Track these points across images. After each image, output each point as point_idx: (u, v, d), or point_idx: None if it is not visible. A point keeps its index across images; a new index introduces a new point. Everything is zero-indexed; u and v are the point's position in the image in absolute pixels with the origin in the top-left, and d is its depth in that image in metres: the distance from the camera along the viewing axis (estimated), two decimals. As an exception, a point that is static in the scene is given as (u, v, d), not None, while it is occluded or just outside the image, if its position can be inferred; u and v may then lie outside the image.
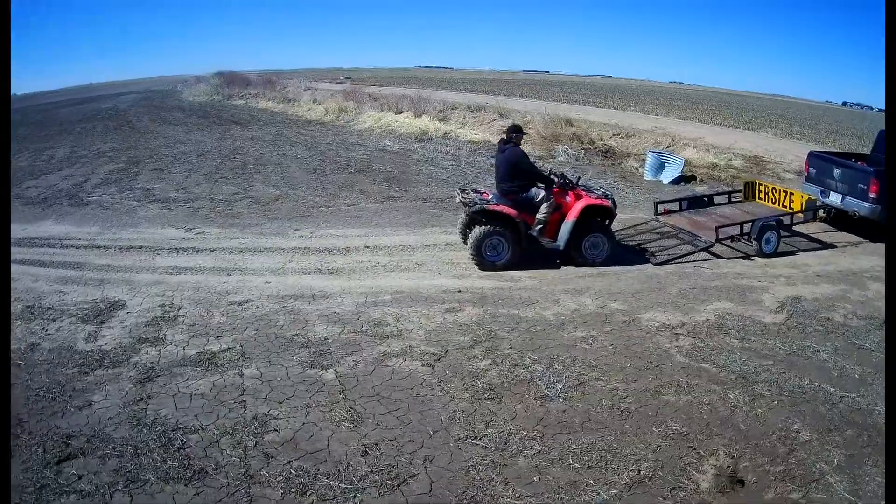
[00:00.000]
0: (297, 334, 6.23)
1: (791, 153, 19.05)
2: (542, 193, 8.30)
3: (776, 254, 9.47)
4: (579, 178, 8.80)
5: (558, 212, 8.35)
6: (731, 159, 16.83)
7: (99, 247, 9.00)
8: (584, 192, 8.54)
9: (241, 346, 5.94)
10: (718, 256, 9.25)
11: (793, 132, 28.67)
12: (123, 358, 5.70)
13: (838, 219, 11.32)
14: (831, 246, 10.29)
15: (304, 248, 9.04)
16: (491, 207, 8.12)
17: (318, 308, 6.87)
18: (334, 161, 15.99)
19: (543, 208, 8.23)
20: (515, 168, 8.18)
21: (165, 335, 6.17)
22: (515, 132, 8.41)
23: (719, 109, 40.53)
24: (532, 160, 8.59)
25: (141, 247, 9.01)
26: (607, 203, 8.46)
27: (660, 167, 14.98)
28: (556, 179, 8.47)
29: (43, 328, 6.32)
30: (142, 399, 5.03)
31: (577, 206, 8.27)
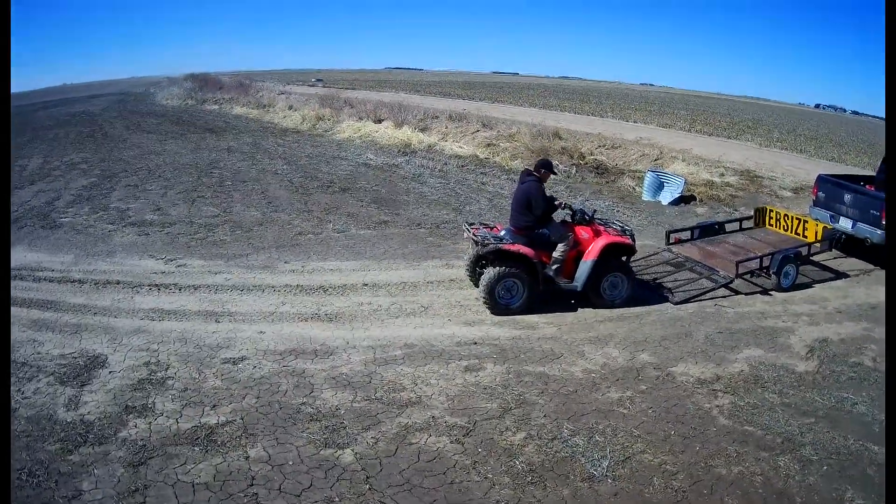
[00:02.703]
0: (303, 403, 5.59)
1: (781, 166, 18.95)
2: (561, 230, 7.76)
3: (793, 287, 9.09)
4: (595, 211, 8.28)
5: (575, 249, 7.79)
6: (723, 174, 16.56)
7: (74, 281, 8.33)
8: (601, 228, 8.01)
9: (242, 420, 5.30)
10: (736, 292, 8.83)
11: (773, 139, 28.79)
12: (110, 433, 5.06)
13: (847, 244, 10.99)
14: (844, 275, 9.96)
15: (297, 285, 8.37)
16: (506, 247, 7.49)
17: (323, 368, 6.23)
18: (316, 177, 15.34)
19: (561, 247, 7.65)
20: (529, 203, 7.62)
21: (154, 403, 5.51)
22: (544, 167, 7.84)
23: (696, 114, 40.70)
24: (549, 194, 8.02)
25: (118, 282, 8.32)
26: (628, 241, 7.90)
27: (658, 187, 14.50)
28: (573, 213, 7.99)
29: (19, 389, 5.67)
30: (137, 489, 4.41)
31: (598, 245, 7.69)
